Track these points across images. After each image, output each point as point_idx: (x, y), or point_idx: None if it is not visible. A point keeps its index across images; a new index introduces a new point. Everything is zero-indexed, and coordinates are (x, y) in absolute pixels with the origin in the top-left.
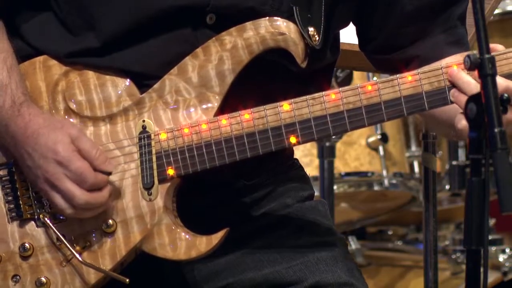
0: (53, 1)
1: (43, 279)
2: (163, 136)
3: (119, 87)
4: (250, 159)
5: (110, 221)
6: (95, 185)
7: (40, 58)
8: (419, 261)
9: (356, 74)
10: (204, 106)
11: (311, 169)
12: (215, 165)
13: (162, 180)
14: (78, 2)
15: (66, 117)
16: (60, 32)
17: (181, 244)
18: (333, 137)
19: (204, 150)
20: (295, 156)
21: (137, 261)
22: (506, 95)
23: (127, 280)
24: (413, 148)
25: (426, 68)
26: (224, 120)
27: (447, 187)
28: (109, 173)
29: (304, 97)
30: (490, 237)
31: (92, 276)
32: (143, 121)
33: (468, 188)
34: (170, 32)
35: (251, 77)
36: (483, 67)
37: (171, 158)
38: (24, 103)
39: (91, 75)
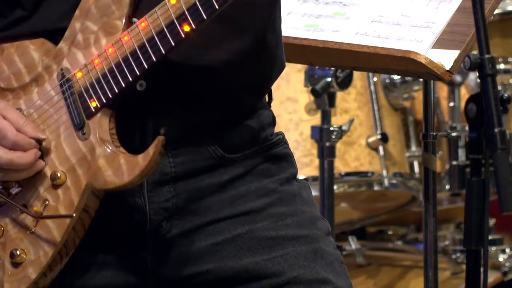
0: None
1: (18, 251)
2: (79, 74)
3: (36, 49)
4: (230, 135)
5: (58, 174)
6: (18, 144)
7: None
8: (419, 261)
9: (356, 74)
10: (110, 33)
11: (311, 169)
12: (129, 81)
13: (89, 115)
14: None
15: (0, 97)
16: None
17: (124, 168)
18: (334, 138)
19: (116, 71)
20: (294, 156)
21: (117, 245)
22: (506, 94)
23: (74, 214)
24: (413, 148)
25: None
26: (125, 36)
27: (447, 187)
28: (40, 141)
29: None
30: (490, 237)
31: (56, 232)
32: (61, 69)
33: (468, 188)
34: None
35: None
36: (483, 67)
37: (91, 91)
38: None
39: (10, 48)
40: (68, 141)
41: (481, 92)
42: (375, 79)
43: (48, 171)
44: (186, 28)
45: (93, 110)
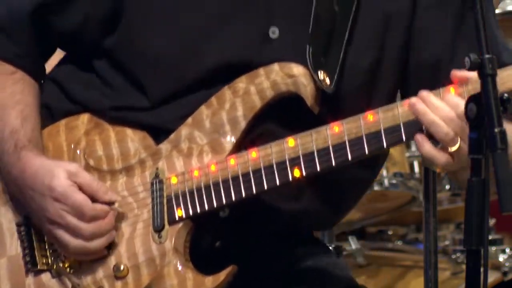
0: (96, 63)
1: None
2: (174, 180)
3: (136, 141)
4: (286, 225)
5: (122, 266)
6: (96, 216)
7: (63, 122)
8: (419, 261)
9: None
10: (216, 151)
11: None
12: (222, 204)
13: (172, 222)
14: (123, 66)
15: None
16: (103, 90)
17: (189, 284)
18: None
19: (212, 189)
20: None
21: None
22: (506, 95)
23: None
24: (413, 148)
25: None
26: (232, 160)
27: (447, 187)
28: (113, 203)
29: (308, 132)
30: (490, 237)
31: None
32: (157, 168)
33: (468, 188)
34: (209, 89)
35: (269, 127)
36: (483, 67)
37: (181, 200)
38: (25, 147)
39: (110, 132)
40: (141, 239)
41: (481, 92)
42: None
43: (112, 261)
44: (296, 173)
45: (177, 218)
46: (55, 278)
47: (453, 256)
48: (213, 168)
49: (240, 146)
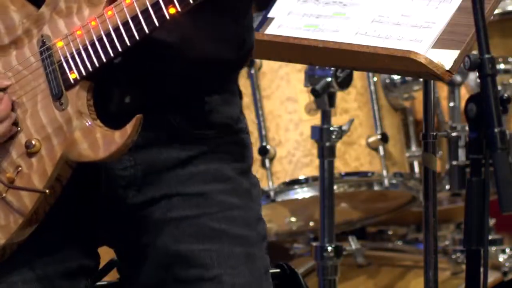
0: None
1: None
2: (60, 44)
3: (17, 10)
4: (195, 112)
5: (33, 141)
6: None
7: None
8: (419, 261)
9: (356, 74)
10: (93, 4)
11: (311, 169)
12: (110, 57)
13: (68, 87)
14: None
15: None
16: None
17: (100, 143)
18: (334, 138)
19: (97, 45)
20: (293, 154)
21: (67, 203)
22: (506, 94)
23: (47, 191)
24: (413, 148)
25: None
26: (109, 11)
27: (447, 187)
28: (5, 88)
29: None
30: (490, 237)
31: (27, 200)
32: (42, 35)
33: (468, 188)
34: None
35: None
36: (483, 67)
37: (71, 63)
38: None
39: None
40: (45, 110)
41: (481, 92)
42: (375, 79)
43: (23, 138)
44: (172, 10)
45: (72, 82)
46: None
47: (453, 256)
48: (93, 23)
49: None
